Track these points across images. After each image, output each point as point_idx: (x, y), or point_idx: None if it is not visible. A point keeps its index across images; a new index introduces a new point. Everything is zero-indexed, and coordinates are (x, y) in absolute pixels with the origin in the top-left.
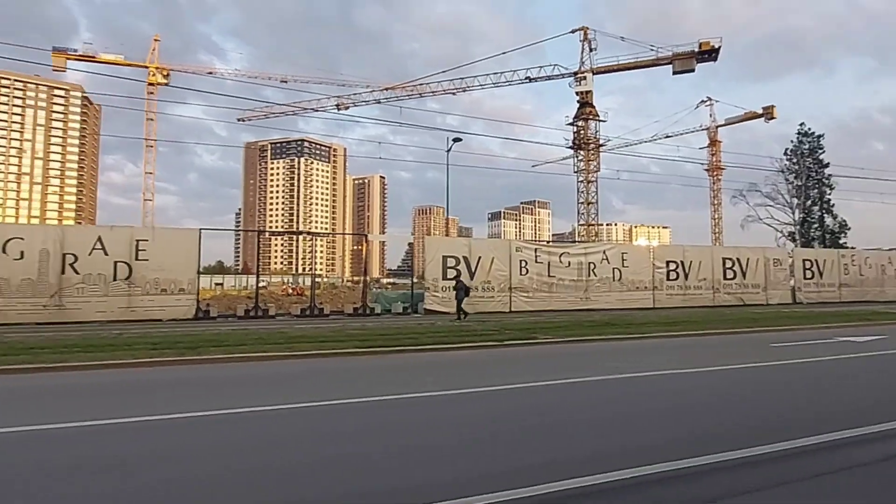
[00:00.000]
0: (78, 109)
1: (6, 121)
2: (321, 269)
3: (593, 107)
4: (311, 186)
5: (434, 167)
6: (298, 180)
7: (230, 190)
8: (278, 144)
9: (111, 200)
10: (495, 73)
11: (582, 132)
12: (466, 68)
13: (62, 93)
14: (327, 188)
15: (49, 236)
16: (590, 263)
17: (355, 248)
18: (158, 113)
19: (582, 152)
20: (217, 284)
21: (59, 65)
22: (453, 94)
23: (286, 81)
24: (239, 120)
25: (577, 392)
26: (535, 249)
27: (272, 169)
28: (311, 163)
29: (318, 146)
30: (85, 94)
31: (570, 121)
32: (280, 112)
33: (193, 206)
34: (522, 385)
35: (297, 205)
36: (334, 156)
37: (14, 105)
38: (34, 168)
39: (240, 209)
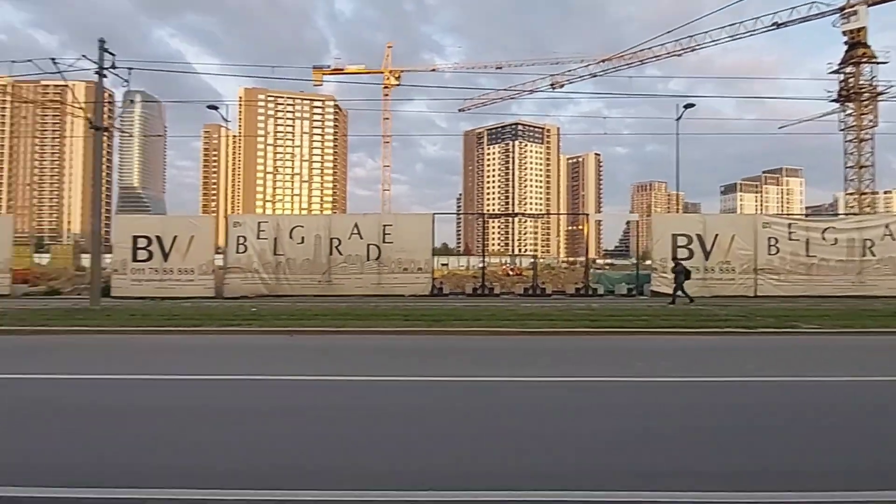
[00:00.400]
0: (331, 117)
1: (282, 132)
2: (536, 250)
3: (867, 47)
4: (525, 168)
5: (654, 139)
6: (513, 163)
7: (451, 177)
8: (493, 130)
9: (356, 192)
10: (731, 25)
11: (851, 80)
12: (691, 26)
13: (319, 103)
14: (541, 169)
15: (320, 224)
16: (865, 240)
17: (570, 228)
18: (392, 111)
19: (852, 105)
20: (443, 265)
21: (317, 80)
22: (678, 55)
23: (501, 68)
24: (459, 110)
25: (853, 392)
26: (789, 225)
27: (488, 154)
28: (525, 145)
29: (531, 128)
30: (336, 103)
31: (835, 67)
32: (497, 98)
33: (420, 193)
34: (777, 379)
35: (513, 187)
36: (547, 136)
37: (287, 119)
38: (301, 169)
39: (460, 194)
